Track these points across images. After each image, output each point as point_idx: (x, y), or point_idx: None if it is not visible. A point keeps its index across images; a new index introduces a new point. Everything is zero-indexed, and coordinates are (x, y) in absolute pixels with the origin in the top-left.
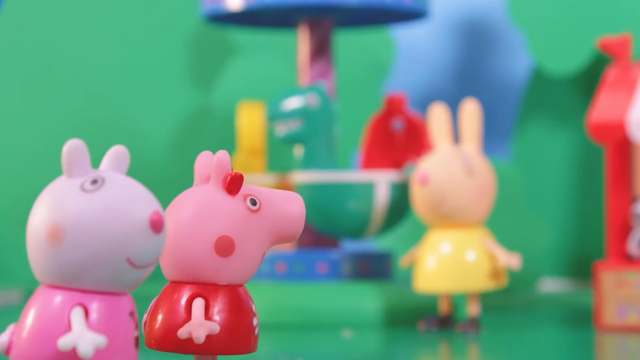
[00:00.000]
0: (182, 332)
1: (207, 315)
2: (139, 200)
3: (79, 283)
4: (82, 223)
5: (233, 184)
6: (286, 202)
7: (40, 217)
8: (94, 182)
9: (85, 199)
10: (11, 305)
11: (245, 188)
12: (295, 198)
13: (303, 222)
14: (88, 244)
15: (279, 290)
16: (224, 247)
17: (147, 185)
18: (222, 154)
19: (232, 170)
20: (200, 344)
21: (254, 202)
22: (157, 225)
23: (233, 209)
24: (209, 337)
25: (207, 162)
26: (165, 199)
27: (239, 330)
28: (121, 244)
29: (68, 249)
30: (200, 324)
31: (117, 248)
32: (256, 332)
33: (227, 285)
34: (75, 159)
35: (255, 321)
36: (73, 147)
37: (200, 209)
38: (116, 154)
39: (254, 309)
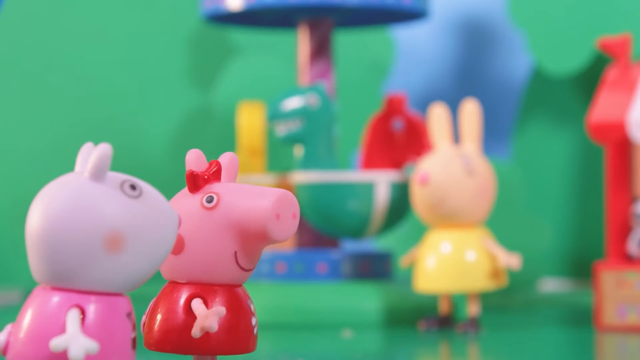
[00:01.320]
0: (195, 332)
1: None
2: (167, 203)
3: (130, 288)
4: (142, 229)
5: (187, 182)
6: (251, 198)
7: (84, 223)
8: (133, 187)
9: (137, 205)
10: (11, 305)
11: (213, 186)
12: (267, 195)
13: (267, 220)
14: (146, 249)
15: (279, 290)
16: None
17: None
18: (192, 152)
19: (208, 168)
20: (214, 332)
21: (209, 200)
22: (179, 226)
23: (186, 207)
24: (208, 337)
25: (192, 160)
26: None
27: (237, 330)
28: (165, 247)
29: (128, 256)
30: (207, 315)
31: (163, 252)
32: (255, 331)
33: (224, 285)
34: (108, 164)
35: (254, 321)
36: (106, 153)
37: None
38: (90, 152)
39: (252, 308)
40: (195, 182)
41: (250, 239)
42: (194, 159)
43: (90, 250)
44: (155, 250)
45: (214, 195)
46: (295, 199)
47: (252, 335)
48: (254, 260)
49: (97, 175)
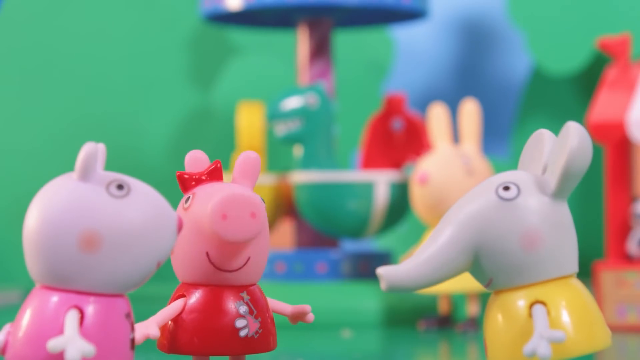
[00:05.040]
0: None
1: (177, 316)
2: (164, 204)
3: (111, 289)
4: (121, 230)
5: (178, 183)
6: (206, 199)
7: (60, 223)
8: (120, 187)
9: (120, 205)
10: (11, 305)
11: (199, 187)
12: (215, 195)
13: (212, 220)
14: (128, 250)
15: (278, 290)
16: None
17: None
18: (191, 153)
19: (207, 169)
20: (139, 344)
21: (186, 201)
22: (181, 227)
23: (177, 208)
24: (180, 338)
25: (190, 162)
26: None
27: (209, 331)
28: (157, 249)
29: (106, 256)
30: (144, 326)
31: (153, 253)
32: (244, 333)
33: (209, 286)
34: (93, 164)
35: (241, 323)
36: (91, 152)
37: None
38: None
39: (243, 310)
40: (183, 184)
41: (213, 239)
42: (192, 160)
43: (66, 250)
44: (142, 251)
45: (190, 196)
46: (253, 199)
47: (237, 337)
48: (232, 260)
49: (83, 175)
